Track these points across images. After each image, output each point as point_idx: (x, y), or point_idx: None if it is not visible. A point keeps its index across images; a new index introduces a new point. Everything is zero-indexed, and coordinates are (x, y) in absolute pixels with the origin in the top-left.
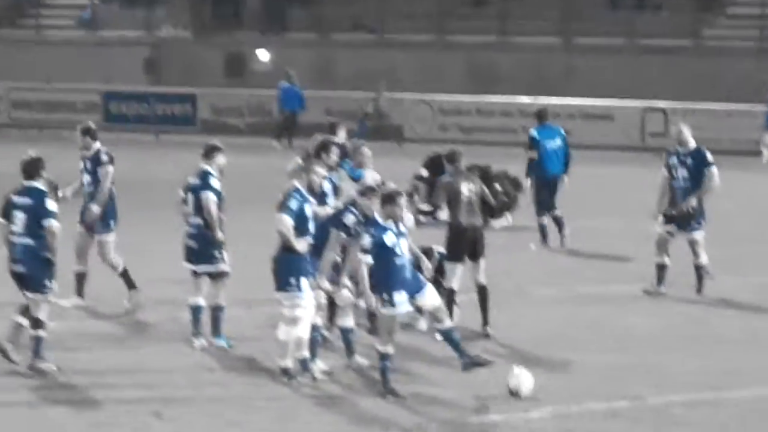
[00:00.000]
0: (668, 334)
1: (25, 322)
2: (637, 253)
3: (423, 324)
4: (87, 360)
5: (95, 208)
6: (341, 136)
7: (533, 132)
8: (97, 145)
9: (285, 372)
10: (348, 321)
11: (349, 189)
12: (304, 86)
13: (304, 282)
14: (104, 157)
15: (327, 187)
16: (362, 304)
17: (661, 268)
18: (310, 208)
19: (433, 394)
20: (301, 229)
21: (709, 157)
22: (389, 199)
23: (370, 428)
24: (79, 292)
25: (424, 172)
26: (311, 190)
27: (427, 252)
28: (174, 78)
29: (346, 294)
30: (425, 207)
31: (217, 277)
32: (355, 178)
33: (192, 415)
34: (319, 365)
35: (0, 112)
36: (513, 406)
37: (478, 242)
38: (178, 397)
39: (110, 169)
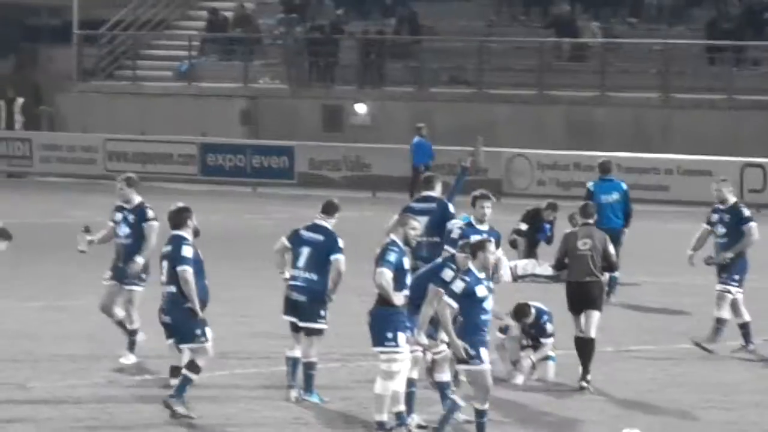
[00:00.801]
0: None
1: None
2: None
3: (520, 379)
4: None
5: (140, 260)
6: (438, 190)
7: (590, 185)
8: (139, 198)
9: (381, 426)
10: (446, 375)
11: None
12: (401, 140)
13: (401, 336)
14: (150, 213)
15: None
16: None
17: (720, 323)
18: (408, 262)
19: None
20: (399, 282)
21: (746, 212)
22: (479, 246)
23: None
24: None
25: (523, 226)
26: (407, 243)
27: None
28: (270, 130)
29: (444, 348)
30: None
31: (314, 333)
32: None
33: None
34: (415, 419)
35: (96, 164)
36: None
37: (593, 294)
38: None
39: (156, 225)
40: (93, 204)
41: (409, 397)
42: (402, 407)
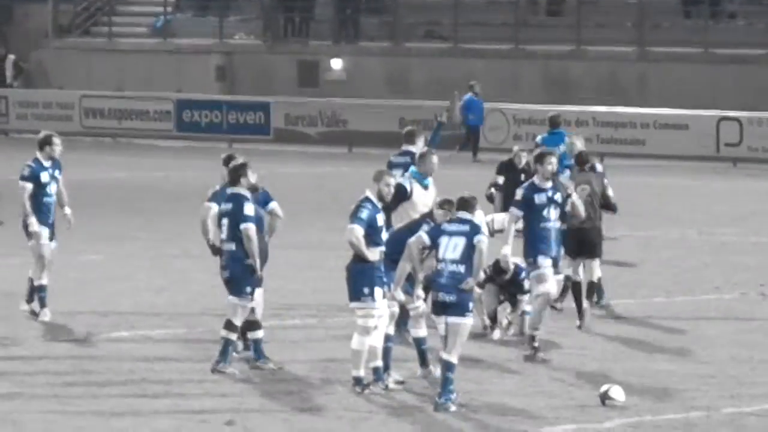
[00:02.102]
0: (745, 342)
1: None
2: (712, 262)
3: (497, 334)
4: (161, 368)
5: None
6: (419, 145)
7: (538, 138)
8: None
9: (358, 381)
10: (421, 331)
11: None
12: (377, 95)
13: (377, 291)
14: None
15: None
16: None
17: None
18: (382, 218)
19: (505, 404)
20: (372, 238)
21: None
22: (539, 160)
23: None
24: None
25: (500, 179)
26: (381, 199)
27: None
28: (246, 86)
29: (420, 304)
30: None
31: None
32: (424, 186)
33: (265, 423)
34: (392, 375)
35: (72, 121)
36: (587, 416)
37: (592, 240)
38: (252, 407)
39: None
40: (69, 160)
41: (386, 353)
42: (379, 363)
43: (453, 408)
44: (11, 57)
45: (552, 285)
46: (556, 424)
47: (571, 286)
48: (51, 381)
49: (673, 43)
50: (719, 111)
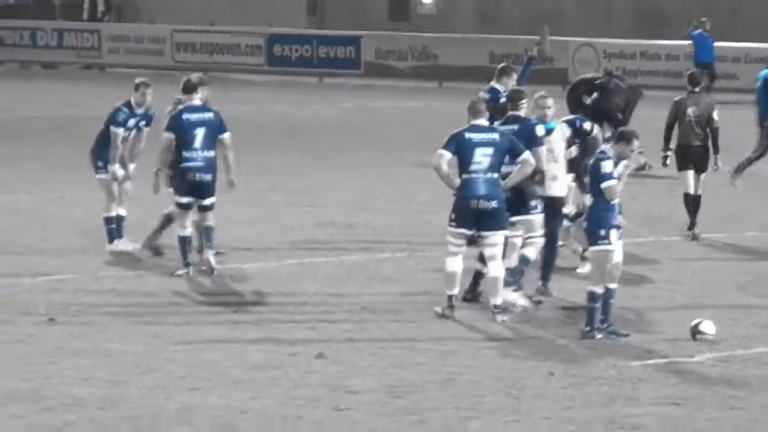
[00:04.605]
0: None
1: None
2: None
3: (586, 268)
4: (253, 301)
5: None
6: (509, 84)
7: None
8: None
9: (497, 307)
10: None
11: None
12: (468, 29)
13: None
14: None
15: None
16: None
17: None
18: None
19: (600, 340)
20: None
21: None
22: (625, 138)
23: (532, 373)
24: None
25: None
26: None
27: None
28: (337, 20)
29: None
30: None
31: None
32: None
33: (355, 356)
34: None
35: (164, 55)
36: (677, 350)
37: (701, 157)
38: (341, 339)
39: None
40: (161, 94)
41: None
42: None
43: (598, 336)
44: None
45: None
46: (647, 358)
47: (684, 198)
48: (142, 313)
49: None
50: None
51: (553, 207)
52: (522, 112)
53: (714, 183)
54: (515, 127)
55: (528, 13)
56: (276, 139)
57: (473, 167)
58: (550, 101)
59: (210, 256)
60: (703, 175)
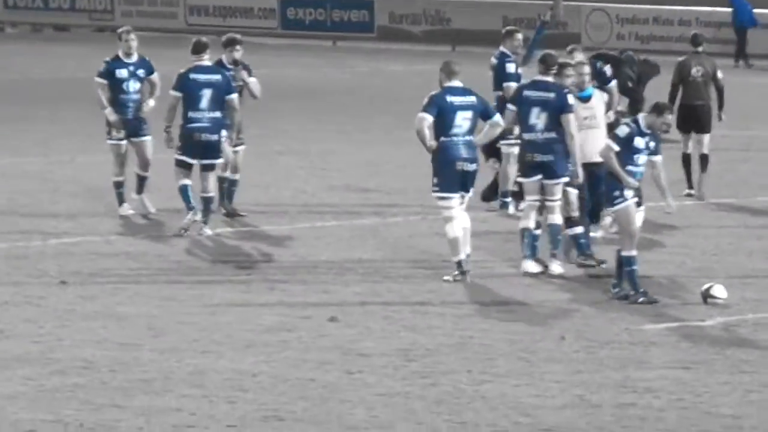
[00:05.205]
0: None
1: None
2: None
3: (600, 233)
4: (266, 265)
5: (152, 102)
6: (513, 45)
7: None
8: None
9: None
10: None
11: None
12: None
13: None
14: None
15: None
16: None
17: None
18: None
19: (607, 301)
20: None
21: None
22: (657, 110)
23: (544, 337)
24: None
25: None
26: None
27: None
28: None
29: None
30: None
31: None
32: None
33: (368, 320)
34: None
35: (177, 18)
36: (689, 314)
37: (703, 117)
38: (353, 302)
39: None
40: (174, 57)
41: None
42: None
43: (641, 300)
44: None
45: None
46: (658, 322)
47: (681, 159)
48: (154, 277)
49: None
50: None
51: (595, 174)
52: (550, 78)
53: (721, 148)
54: (551, 95)
55: None
56: (289, 103)
57: (454, 130)
58: (587, 68)
59: (206, 228)
60: (707, 137)
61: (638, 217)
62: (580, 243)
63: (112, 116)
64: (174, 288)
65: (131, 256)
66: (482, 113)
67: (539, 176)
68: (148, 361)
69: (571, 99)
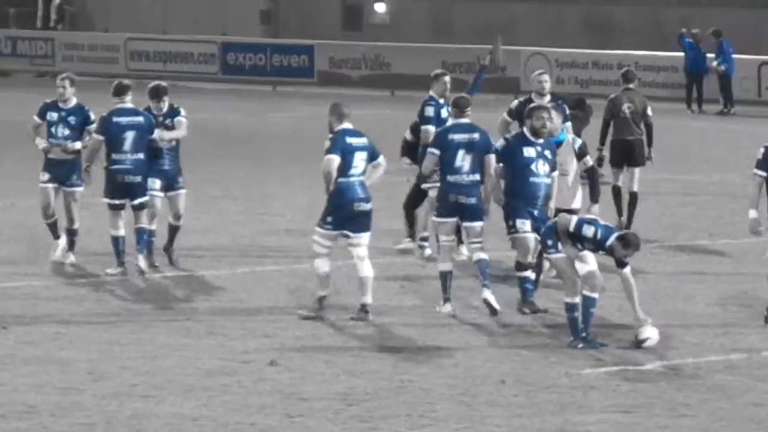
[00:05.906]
0: None
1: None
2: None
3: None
4: (205, 309)
5: (78, 144)
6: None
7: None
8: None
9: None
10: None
11: None
12: (421, 39)
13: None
14: (92, 115)
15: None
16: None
17: None
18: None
19: (547, 345)
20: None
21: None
22: (623, 242)
23: (484, 381)
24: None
25: None
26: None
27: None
28: (290, 29)
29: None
30: None
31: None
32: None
33: (308, 364)
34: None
35: (118, 63)
36: (629, 359)
37: (636, 151)
38: (293, 346)
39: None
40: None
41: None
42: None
43: (580, 346)
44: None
45: None
46: (598, 366)
47: (612, 191)
48: (95, 321)
49: None
50: (762, 56)
51: None
52: (467, 119)
53: (660, 191)
54: (475, 135)
55: (480, 22)
56: (229, 148)
57: (352, 171)
58: (554, 113)
59: (141, 259)
60: (638, 171)
61: (591, 260)
62: (526, 288)
63: (42, 144)
64: (115, 332)
65: (71, 301)
66: (371, 154)
67: (456, 218)
68: (90, 406)
69: (493, 140)
